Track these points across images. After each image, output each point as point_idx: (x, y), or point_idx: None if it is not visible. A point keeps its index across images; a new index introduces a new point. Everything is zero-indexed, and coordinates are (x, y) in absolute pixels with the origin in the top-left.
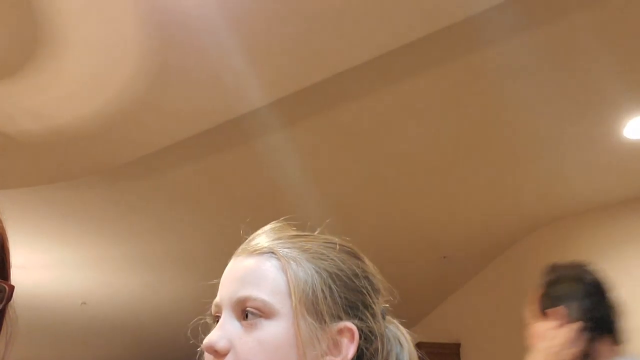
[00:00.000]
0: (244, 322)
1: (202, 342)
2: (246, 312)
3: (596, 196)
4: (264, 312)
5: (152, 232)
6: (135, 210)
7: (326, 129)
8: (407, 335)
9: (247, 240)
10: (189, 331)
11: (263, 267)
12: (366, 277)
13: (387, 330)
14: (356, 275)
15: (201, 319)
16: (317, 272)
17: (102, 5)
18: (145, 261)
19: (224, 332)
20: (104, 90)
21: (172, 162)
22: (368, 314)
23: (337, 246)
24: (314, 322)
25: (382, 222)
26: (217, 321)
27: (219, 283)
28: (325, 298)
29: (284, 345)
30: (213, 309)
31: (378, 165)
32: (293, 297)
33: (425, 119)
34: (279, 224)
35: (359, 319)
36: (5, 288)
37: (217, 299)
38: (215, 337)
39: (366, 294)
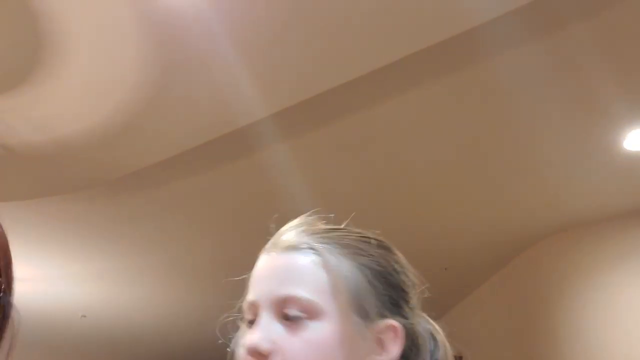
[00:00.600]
0: (287, 323)
1: (231, 342)
2: (288, 311)
3: (597, 208)
4: (308, 312)
5: (153, 244)
6: (136, 223)
7: (327, 140)
8: (439, 329)
9: (277, 235)
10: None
11: (303, 263)
12: (404, 272)
13: (419, 324)
14: (395, 270)
15: (228, 318)
16: (359, 268)
17: (104, 19)
18: (145, 273)
19: (266, 333)
20: (105, 103)
21: (173, 174)
22: (408, 310)
23: (374, 241)
24: (359, 320)
25: (382, 233)
26: (252, 321)
27: (215, 295)
28: (370, 295)
29: (331, 346)
30: (246, 308)
31: (379, 176)
32: (339, 296)
33: (426, 131)
34: (309, 218)
35: (401, 316)
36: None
37: (251, 298)
38: (257, 338)
39: (406, 290)
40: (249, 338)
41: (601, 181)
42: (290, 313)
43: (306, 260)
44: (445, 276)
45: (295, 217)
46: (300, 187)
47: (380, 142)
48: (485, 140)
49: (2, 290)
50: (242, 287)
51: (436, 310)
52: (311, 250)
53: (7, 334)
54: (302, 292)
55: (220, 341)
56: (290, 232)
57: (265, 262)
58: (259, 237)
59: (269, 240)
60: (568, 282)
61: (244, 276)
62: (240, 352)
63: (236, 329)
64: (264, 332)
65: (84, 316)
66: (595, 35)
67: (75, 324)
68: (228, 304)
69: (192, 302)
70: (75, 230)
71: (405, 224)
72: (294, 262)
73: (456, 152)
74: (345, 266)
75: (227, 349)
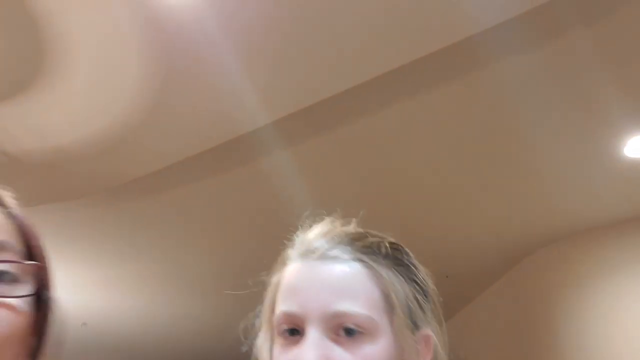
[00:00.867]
0: (340, 339)
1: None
2: (342, 328)
3: (598, 215)
4: (365, 329)
5: (153, 252)
6: (137, 230)
7: (328, 147)
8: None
9: (309, 241)
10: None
11: (354, 276)
12: (429, 280)
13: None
14: (426, 280)
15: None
16: (405, 280)
17: (106, 29)
18: (145, 281)
19: (321, 350)
20: (107, 110)
21: (174, 182)
22: (436, 319)
23: (402, 248)
24: (409, 334)
25: None
26: (290, 332)
27: (217, 303)
28: (416, 308)
29: None
30: (284, 319)
31: (380, 183)
32: (391, 310)
33: (427, 138)
34: (335, 222)
35: (429, 324)
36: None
37: (295, 310)
38: (312, 356)
39: (435, 299)
40: (301, 355)
41: (602, 188)
42: (345, 330)
43: (356, 273)
44: (446, 283)
45: (297, 224)
46: (302, 194)
47: (382, 148)
48: (486, 147)
49: (45, 285)
50: (245, 296)
51: None
52: (359, 262)
53: (53, 329)
54: (358, 308)
55: (224, 348)
56: (326, 239)
57: (309, 273)
58: (261, 243)
59: (282, 245)
60: (569, 289)
61: (254, 287)
62: None
63: (252, 335)
64: (318, 349)
65: (85, 324)
66: (595, 42)
67: (75, 332)
68: (231, 312)
69: (193, 309)
70: (76, 237)
71: (406, 229)
72: (344, 274)
73: (457, 159)
74: (393, 278)
75: (238, 354)
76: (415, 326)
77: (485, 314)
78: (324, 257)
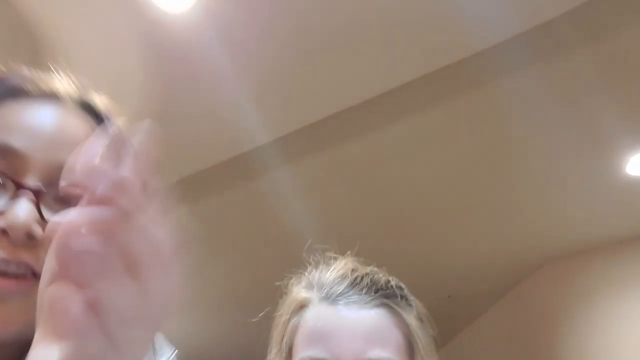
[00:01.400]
0: None
1: None
2: None
3: (600, 233)
4: None
5: None
6: None
7: (331, 165)
8: None
9: (332, 284)
10: None
11: (383, 322)
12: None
13: None
14: (424, 315)
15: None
16: (422, 324)
17: (107, 43)
18: None
19: None
20: None
21: (174, 200)
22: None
23: (406, 289)
24: None
25: (385, 260)
26: None
27: (220, 323)
28: (430, 348)
29: None
30: None
31: (380, 202)
32: (416, 355)
33: (427, 157)
34: (354, 262)
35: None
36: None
37: (325, 357)
38: None
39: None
40: None
41: (604, 206)
42: None
43: (384, 319)
44: (448, 304)
45: (297, 242)
46: (303, 212)
47: (383, 166)
48: (486, 167)
49: None
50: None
51: (440, 337)
52: (384, 308)
53: None
54: (388, 354)
55: None
56: (347, 282)
57: (339, 319)
58: (262, 262)
59: (283, 268)
60: (571, 307)
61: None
62: None
63: None
64: None
65: None
66: (597, 61)
67: None
68: (235, 332)
69: (202, 329)
70: None
71: (408, 251)
72: (373, 321)
73: (458, 178)
74: (415, 322)
75: None
76: None
77: (487, 333)
78: (350, 303)
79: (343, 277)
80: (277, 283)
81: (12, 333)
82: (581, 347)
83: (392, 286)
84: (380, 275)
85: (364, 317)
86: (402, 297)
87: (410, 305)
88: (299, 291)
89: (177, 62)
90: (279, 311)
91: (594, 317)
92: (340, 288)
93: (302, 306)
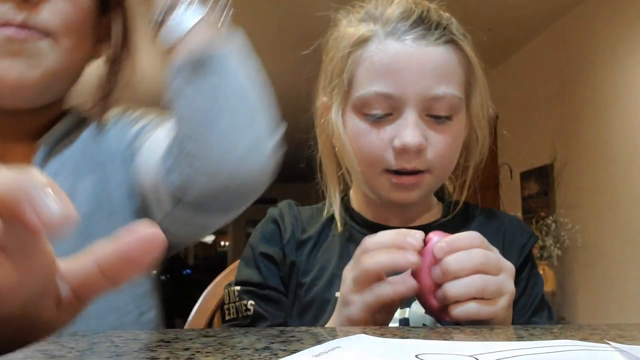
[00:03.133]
0: (432, 120)
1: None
2: (437, 111)
3: None
4: (455, 110)
5: None
6: None
7: None
8: None
9: (399, 19)
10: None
11: (450, 59)
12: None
13: None
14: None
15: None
16: (479, 60)
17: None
18: None
19: (420, 130)
20: None
21: None
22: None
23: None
24: (481, 112)
25: None
26: (385, 114)
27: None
28: (485, 85)
29: (460, 137)
30: (376, 99)
31: None
32: (474, 92)
33: None
34: None
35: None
36: None
37: (392, 91)
38: (413, 136)
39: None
40: (402, 134)
41: None
42: (440, 113)
43: (451, 56)
44: (488, 37)
45: None
46: None
47: None
48: None
49: None
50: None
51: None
52: (451, 44)
53: None
54: (452, 91)
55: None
56: (414, 18)
57: (408, 55)
58: None
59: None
60: (612, 46)
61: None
62: (377, 144)
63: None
64: (418, 129)
65: None
66: None
67: None
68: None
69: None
70: None
71: None
72: (442, 58)
73: None
74: (475, 59)
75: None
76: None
77: (524, 68)
78: (418, 38)
79: (409, 11)
80: (318, 14)
81: (28, 96)
82: (621, 84)
83: (454, 21)
84: (440, 11)
85: (432, 53)
86: (464, 35)
87: (467, 38)
88: (357, 25)
89: None
90: (326, 47)
91: (636, 54)
92: (408, 23)
93: (364, 40)
